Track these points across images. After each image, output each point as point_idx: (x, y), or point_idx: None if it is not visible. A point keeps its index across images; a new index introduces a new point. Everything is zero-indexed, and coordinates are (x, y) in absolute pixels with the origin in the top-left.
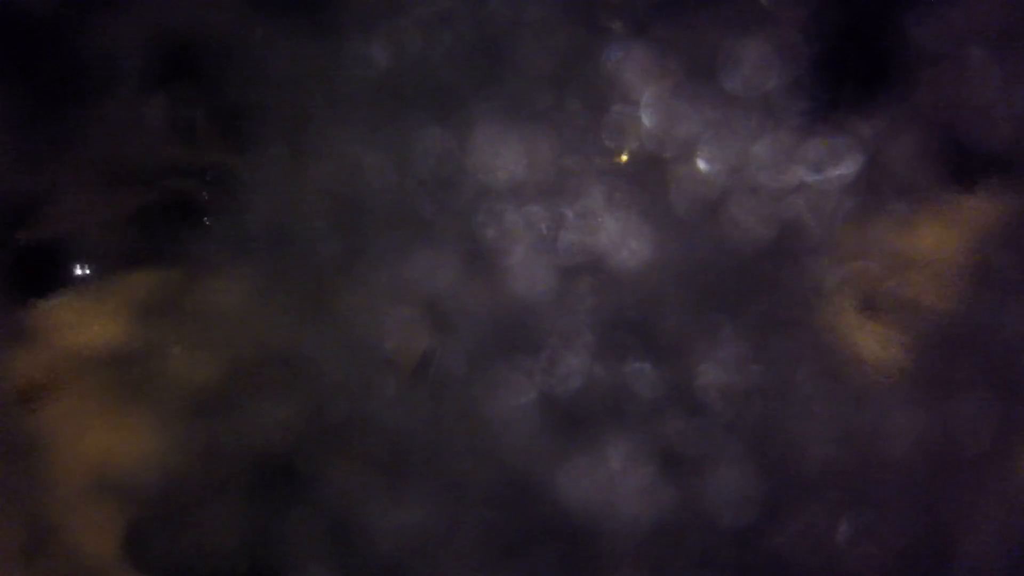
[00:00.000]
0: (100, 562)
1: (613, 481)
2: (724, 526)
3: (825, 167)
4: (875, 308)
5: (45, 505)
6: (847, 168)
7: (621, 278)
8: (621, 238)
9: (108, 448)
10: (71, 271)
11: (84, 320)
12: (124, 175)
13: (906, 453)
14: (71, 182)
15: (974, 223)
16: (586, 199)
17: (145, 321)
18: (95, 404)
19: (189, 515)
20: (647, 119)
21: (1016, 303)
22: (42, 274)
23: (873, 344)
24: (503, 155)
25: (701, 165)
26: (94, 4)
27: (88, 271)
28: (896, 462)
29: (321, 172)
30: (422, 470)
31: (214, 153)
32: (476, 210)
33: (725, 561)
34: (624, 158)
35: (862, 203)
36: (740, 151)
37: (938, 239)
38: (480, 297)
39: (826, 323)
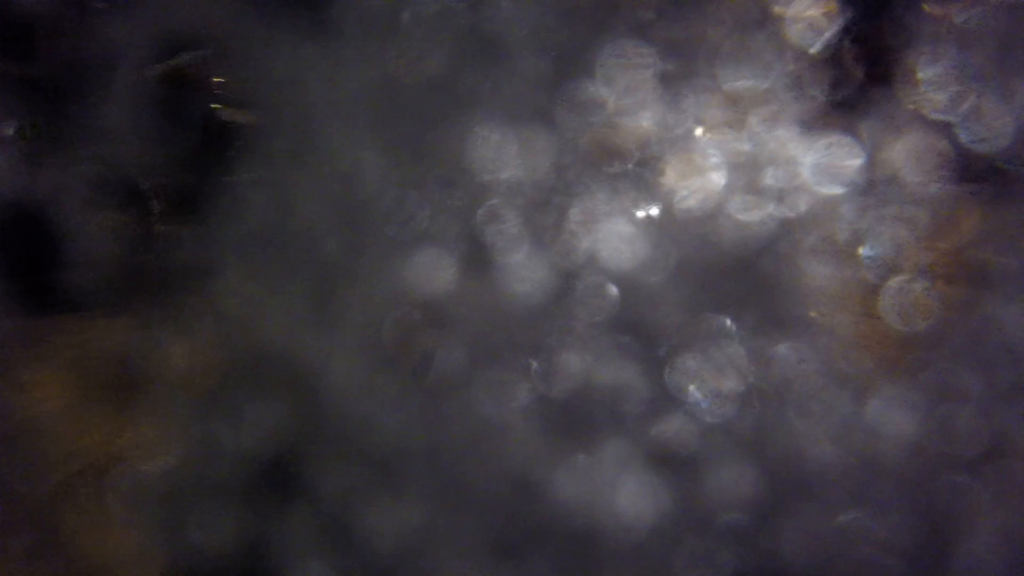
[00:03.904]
0: (101, 562)
1: (611, 481)
2: (723, 526)
3: (825, 168)
4: (875, 308)
5: (46, 505)
6: (847, 169)
7: (620, 279)
8: (620, 238)
9: (110, 448)
10: (74, 276)
11: (87, 324)
12: (124, 176)
13: (906, 453)
14: (72, 183)
15: (974, 224)
16: (586, 199)
17: (146, 323)
18: (97, 405)
19: (189, 515)
20: (646, 120)
21: (1016, 303)
22: (47, 281)
23: (873, 344)
24: (503, 155)
25: (701, 165)
26: (94, 4)
27: (90, 273)
28: (895, 462)
29: (321, 172)
30: (422, 470)
31: (214, 153)
32: (476, 210)
33: (724, 561)
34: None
35: (862, 204)
36: (740, 151)
37: (938, 239)
38: (480, 297)
39: (826, 323)
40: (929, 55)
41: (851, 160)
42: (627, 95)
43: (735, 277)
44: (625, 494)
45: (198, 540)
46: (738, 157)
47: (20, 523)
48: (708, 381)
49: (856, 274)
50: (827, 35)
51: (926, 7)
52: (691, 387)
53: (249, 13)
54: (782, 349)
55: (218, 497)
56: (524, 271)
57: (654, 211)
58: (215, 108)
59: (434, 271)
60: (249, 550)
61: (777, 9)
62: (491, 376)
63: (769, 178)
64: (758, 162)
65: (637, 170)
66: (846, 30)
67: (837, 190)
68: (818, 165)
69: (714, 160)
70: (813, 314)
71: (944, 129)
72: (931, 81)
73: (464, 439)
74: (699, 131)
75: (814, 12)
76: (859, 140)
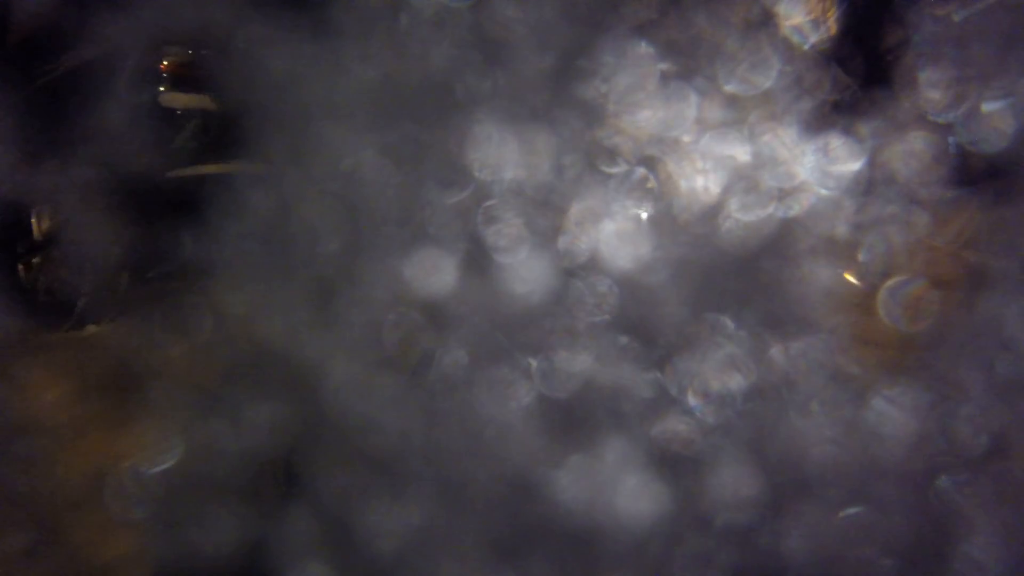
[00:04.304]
0: (100, 561)
1: (612, 482)
2: (723, 526)
3: (825, 168)
4: (875, 308)
5: (45, 504)
6: (847, 169)
7: (620, 279)
8: (620, 238)
9: (110, 448)
10: (74, 276)
11: (87, 324)
12: (123, 176)
13: (905, 453)
14: (70, 183)
15: (974, 224)
16: (586, 199)
17: (146, 323)
18: (97, 405)
19: (189, 515)
20: (646, 120)
21: (1016, 303)
22: (47, 281)
23: (873, 344)
24: (503, 155)
25: (701, 165)
26: (94, 4)
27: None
28: (895, 461)
29: (321, 172)
30: (422, 470)
31: (214, 153)
32: (476, 210)
33: (724, 561)
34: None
35: (862, 204)
36: (740, 151)
37: (937, 240)
38: (480, 297)
39: (826, 323)
40: (929, 55)
41: (851, 160)
42: (627, 95)
43: (735, 277)
44: (625, 494)
45: (198, 540)
46: (738, 157)
47: (19, 522)
48: (708, 381)
49: (856, 274)
50: (826, 35)
51: (926, 7)
52: (691, 387)
53: (249, 13)
54: (782, 349)
55: (218, 497)
56: (524, 271)
57: (654, 211)
58: (213, 107)
59: (434, 271)
60: (249, 550)
61: (778, 9)
62: (491, 376)
63: (769, 178)
64: (758, 162)
65: (637, 170)
66: (846, 30)
67: (837, 190)
68: (818, 165)
69: (714, 160)
70: (810, 314)
71: (944, 129)
72: (931, 81)
73: (464, 439)
74: (699, 131)
75: (814, 12)
76: (859, 140)
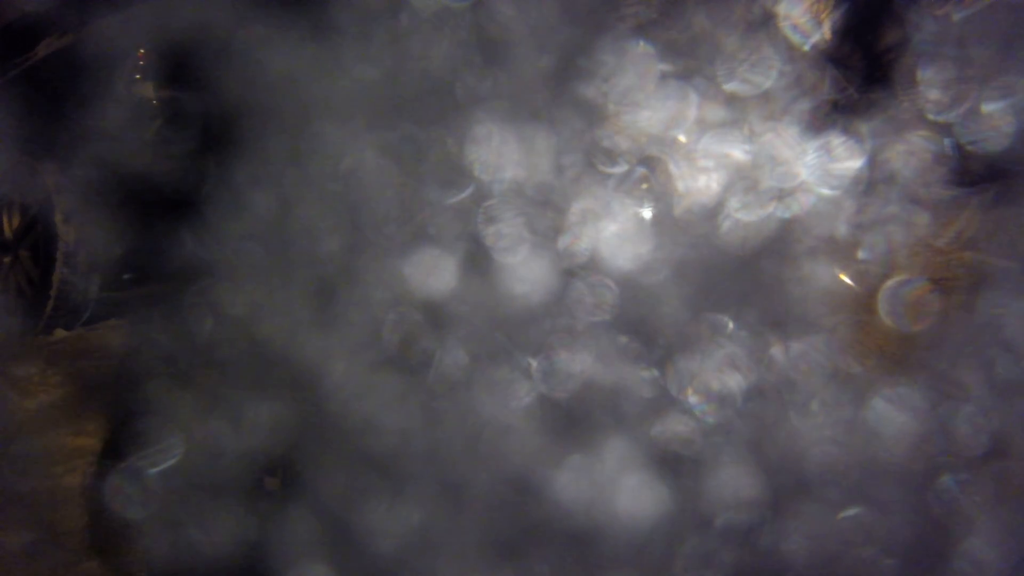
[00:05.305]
0: (99, 561)
1: (612, 482)
2: (723, 526)
3: (825, 168)
4: (875, 308)
5: (44, 504)
6: (847, 169)
7: (620, 279)
8: (620, 238)
9: (108, 447)
10: (75, 276)
11: (87, 324)
12: (123, 176)
13: (905, 453)
14: (71, 183)
15: (974, 224)
16: (586, 199)
17: (146, 323)
18: (96, 404)
19: (189, 515)
20: (646, 120)
21: (1016, 304)
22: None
23: (873, 344)
24: (503, 155)
25: (701, 165)
26: (94, 4)
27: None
28: (895, 462)
29: (321, 172)
30: (422, 470)
31: (214, 152)
32: (476, 210)
33: (724, 561)
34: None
35: (862, 204)
36: (740, 151)
37: (937, 240)
38: (480, 297)
39: (826, 323)
40: (929, 55)
41: (851, 160)
42: (627, 95)
43: (735, 277)
44: (625, 494)
45: (198, 540)
46: (738, 157)
47: (18, 522)
48: (708, 381)
49: (856, 274)
50: (826, 35)
51: (926, 7)
52: (691, 387)
53: (249, 12)
54: (782, 349)
55: (218, 497)
56: (524, 271)
57: (654, 211)
58: (213, 106)
59: (434, 271)
60: (249, 550)
61: (778, 9)
62: (491, 376)
63: (769, 178)
64: (758, 162)
65: (637, 170)
66: (846, 30)
67: (837, 190)
68: (818, 165)
69: (714, 160)
70: (810, 314)
71: (944, 129)
72: (931, 81)
73: (464, 439)
74: (699, 131)
75: (814, 12)
76: (859, 140)
